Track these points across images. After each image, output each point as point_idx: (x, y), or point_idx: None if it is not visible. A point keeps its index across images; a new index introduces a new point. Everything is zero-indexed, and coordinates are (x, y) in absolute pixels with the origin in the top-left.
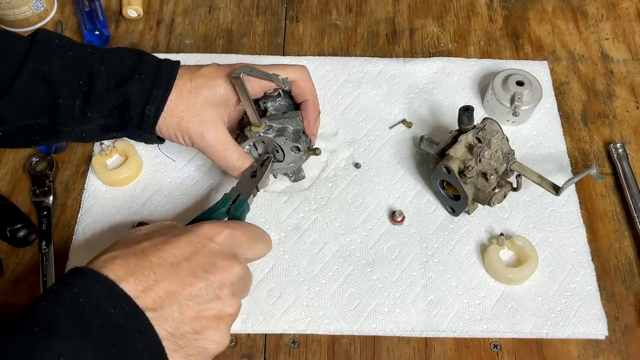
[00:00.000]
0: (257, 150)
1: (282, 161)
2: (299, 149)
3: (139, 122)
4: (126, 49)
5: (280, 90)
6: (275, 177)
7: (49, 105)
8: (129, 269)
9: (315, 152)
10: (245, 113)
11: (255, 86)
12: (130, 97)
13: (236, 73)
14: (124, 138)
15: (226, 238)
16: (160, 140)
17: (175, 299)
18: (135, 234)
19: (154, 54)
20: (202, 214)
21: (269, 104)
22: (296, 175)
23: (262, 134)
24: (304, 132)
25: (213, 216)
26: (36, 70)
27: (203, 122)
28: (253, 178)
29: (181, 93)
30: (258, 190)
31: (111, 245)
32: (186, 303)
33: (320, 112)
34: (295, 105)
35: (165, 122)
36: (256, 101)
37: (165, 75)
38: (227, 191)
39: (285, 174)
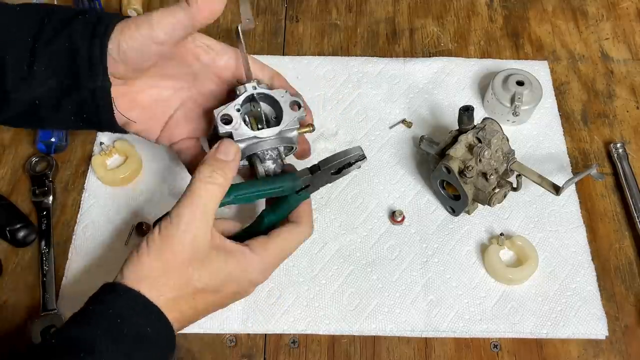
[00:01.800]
0: (247, 121)
1: (277, 125)
2: (299, 105)
3: (88, 67)
4: (69, 7)
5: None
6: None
7: None
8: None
9: (310, 126)
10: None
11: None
12: (74, 36)
13: (239, 26)
14: (123, 137)
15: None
16: (121, 130)
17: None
18: (193, 285)
19: None
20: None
21: (248, 86)
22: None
23: (257, 86)
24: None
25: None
26: None
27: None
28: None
29: (127, 23)
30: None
31: (162, 270)
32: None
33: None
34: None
35: (118, 51)
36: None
37: (107, 15)
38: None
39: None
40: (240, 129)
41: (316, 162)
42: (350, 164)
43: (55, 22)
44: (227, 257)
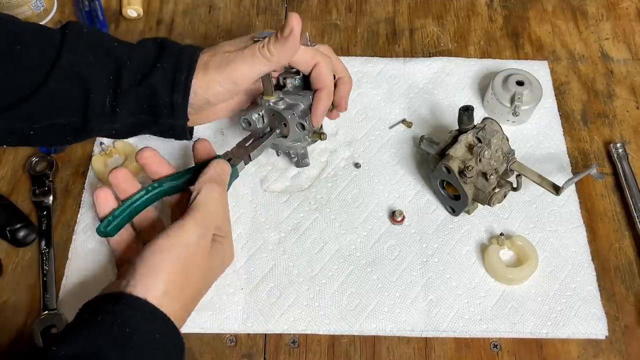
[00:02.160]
0: (264, 122)
1: (286, 137)
2: (303, 127)
3: (170, 112)
4: (150, 40)
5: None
6: (279, 155)
7: (80, 101)
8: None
9: (321, 136)
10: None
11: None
12: (156, 86)
13: (258, 37)
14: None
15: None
16: (191, 135)
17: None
18: (193, 280)
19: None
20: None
21: (287, 81)
22: (300, 159)
23: (272, 104)
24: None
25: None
26: (70, 65)
27: (228, 63)
28: (247, 146)
29: (205, 69)
30: (250, 160)
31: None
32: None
33: (339, 107)
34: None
35: (195, 96)
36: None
37: (186, 59)
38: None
39: (288, 154)
40: (259, 126)
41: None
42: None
43: (135, 67)
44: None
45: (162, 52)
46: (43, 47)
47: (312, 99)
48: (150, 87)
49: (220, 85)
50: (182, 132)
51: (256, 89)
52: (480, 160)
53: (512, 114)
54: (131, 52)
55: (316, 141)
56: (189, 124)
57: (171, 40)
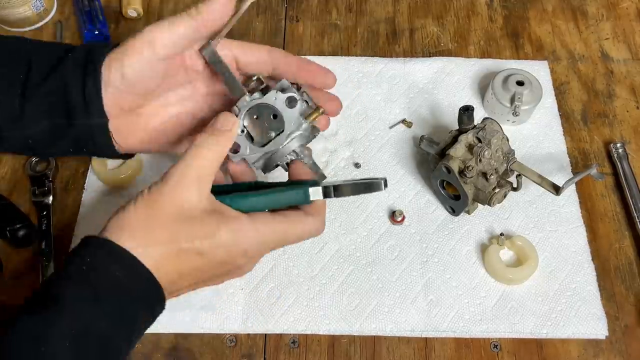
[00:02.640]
0: (251, 138)
1: (282, 130)
2: (295, 100)
3: (83, 104)
4: (54, 42)
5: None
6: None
7: None
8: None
9: (319, 110)
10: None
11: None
12: (66, 74)
13: (206, 48)
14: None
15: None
16: (124, 155)
17: (188, 286)
18: (181, 235)
19: None
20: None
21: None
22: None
23: (248, 101)
24: (298, 88)
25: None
26: None
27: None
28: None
29: (121, 47)
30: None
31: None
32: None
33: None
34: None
35: (110, 74)
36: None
37: (99, 46)
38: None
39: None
40: (248, 152)
41: (336, 182)
42: (366, 186)
43: (44, 61)
44: (220, 221)
45: (73, 47)
46: None
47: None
48: (61, 77)
49: (141, 55)
50: (104, 141)
51: (212, 90)
52: (480, 160)
53: (512, 114)
54: (41, 48)
55: (316, 132)
56: (126, 144)
57: None
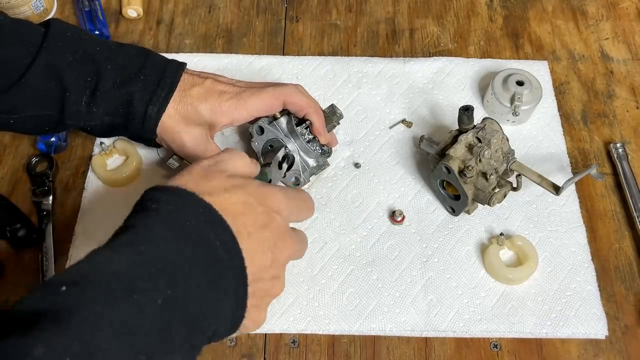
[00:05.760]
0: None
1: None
2: (284, 159)
3: (141, 122)
4: (134, 47)
5: (275, 115)
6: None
7: (57, 98)
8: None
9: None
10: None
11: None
12: (133, 95)
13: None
14: (124, 138)
15: (289, 212)
16: (158, 145)
17: None
18: (211, 184)
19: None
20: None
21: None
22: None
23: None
24: (312, 139)
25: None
26: (48, 64)
27: (186, 133)
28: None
29: (181, 100)
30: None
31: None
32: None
33: (325, 116)
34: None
35: (164, 125)
36: (253, 121)
37: (168, 78)
38: None
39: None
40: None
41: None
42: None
43: (116, 71)
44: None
45: (145, 62)
46: (23, 45)
47: (288, 115)
48: (128, 94)
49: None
50: (150, 143)
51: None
52: (480, 160)
53: (512, 114)
54: (112, 56)
55: (327, 153)
56: (169, 144)
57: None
